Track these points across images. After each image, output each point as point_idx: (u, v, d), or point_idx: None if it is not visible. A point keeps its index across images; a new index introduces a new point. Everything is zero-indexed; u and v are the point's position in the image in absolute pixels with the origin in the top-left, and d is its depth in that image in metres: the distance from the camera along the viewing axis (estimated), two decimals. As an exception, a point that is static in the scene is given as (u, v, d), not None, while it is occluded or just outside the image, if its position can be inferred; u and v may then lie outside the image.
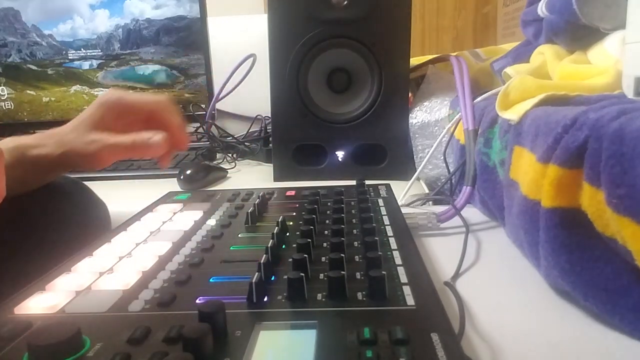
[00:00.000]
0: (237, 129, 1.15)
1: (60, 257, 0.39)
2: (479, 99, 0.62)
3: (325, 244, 0.39)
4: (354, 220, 0.46)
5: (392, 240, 0.41)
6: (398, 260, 0.36)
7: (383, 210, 0.50)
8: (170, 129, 0.52)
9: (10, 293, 0.33)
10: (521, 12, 0.69)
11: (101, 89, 1.15)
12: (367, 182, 0.59)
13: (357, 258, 0.37)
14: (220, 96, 1.09)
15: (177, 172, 0.80)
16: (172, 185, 0.77)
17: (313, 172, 0.80)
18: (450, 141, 0.69)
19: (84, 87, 1.16)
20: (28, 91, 1.16)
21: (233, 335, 0.26)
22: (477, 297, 0.38)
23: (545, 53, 0.60)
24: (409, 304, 0.30)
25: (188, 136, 0.55)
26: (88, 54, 1.14)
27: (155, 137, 0.49)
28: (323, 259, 0.37)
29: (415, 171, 0.68)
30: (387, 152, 0.79)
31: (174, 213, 0.52)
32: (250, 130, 1.10)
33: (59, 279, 0.35)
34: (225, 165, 0.92)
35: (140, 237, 0.44)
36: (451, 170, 0.67)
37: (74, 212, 0.56)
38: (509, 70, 0.62)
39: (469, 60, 0.82)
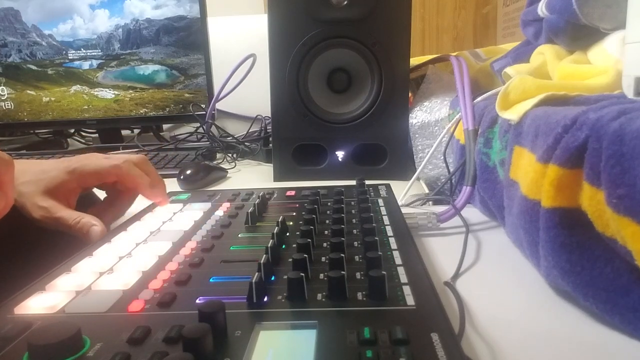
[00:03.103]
0: (237, 129, 1.15)
1: (59, 257, 0.39)
2: (479, 99, 0.62)
3: (325, 244, 0.39)
4: (354, 220, 0.46)
5: (392, 240, 0.41)
6: (398, 260, 0.36)
7: (383, 210, 0.50)
8: (138, 189, 0.53)
9: (10, 293, 0.33)
10: (521, 12, 0.69)
11: (101, 89, 1.15)
12: (367, 182, 0.59)
13: (357, 258, 0.37)
14: (220, 96, 1.09)
15: (177, 172, 0.80)
16: (172, 185, 0.77)
17: (313, 172, 0.80)
18: (450, 141, 0.69)
19: (84, 87, 1.16)
20: (28, 91, 1.16)
21: (233, 335, 0.26)
22: (477, 297, 0.38)
23: (545, 53, 0.60)
24: (409, 304, 0.30)
25: (163, 193, 0.55)
26: (88, 54, 1.14)
27: (95, 228, 0.48)
28: (323, 259, 0.37)
29: (415, 171, 0.68)
30: (387, 152, 0.79)
31: (174, 213, 0.52)
32: (250, 130, 1.10)
33: (59, 279, 0.35)
34: (225, 165, 0.92)
35: (140, 237, 0.44)
36: (451, 170, 0.67)
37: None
38: (509, 70, 0.62)
39: (469, 60, 0.82)
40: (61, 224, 0.49)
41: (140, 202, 0.57)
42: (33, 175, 0.51)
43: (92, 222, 0.49)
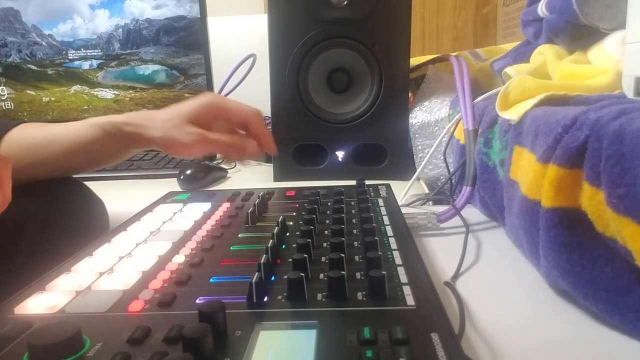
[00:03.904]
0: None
1: (60, 256, 0.39)
2: (479, 99, 0.62)
3: (325, 244, 0.39)
4: (354, 220, 0.46)
5: (392, 240, 0.41)
6: (398, 260, 0.36)
7: (383, 210, 0.50)
8: (259, 139, 0.58)
9: (10, 293, 0.33)
10: (521, 12, 0.69)
11: (101, 88, 1.15)
12: (367, 182, 0.59)
13: (357, 258, 0.37)
14: (220, 96, 1.09)
15: (177, 172, 0.80)
16: (172, 185, 0.77)
17: (313, 172, 0.80)
18: (450, 141, 0.69)
19: (84, 87, 1.16)
20: (28, 91, 1.16)
21: (233, 335, 0.26)
22: (477, 297, 0.38)
23: (545, 53, 0.60)
24: (409, 304, 0.30)
25: (274, 145, 0.61)
26: (88, 54, 1.14)
27: (251, 142, 0.57)
28: (323, 259, 0.37)
29: (415, 171, 0.68)
30: (387, 152, 0.79)
31: (174, 213, 0.52)
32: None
33: (59, 279, 0.35)
34: (225, 165, 0.92)
35: (140, 237, 0.44)
36: (451, 170, 0.67)
37: (73, 211, 0.56)
38: (509, 70, 0.62)
39: (469, 60, 0.82)
40: (216, 145, 0.55)
41: (140, 202, 0.57)
42: (169, 113, 0.56)
43: (245, 138, 0.57)
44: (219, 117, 0.57)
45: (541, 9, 0.60)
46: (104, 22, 1.12)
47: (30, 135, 0.58)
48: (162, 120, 0.56)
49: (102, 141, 0.56)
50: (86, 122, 0.57)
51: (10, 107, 1.16)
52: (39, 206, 0.53)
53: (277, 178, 0.81)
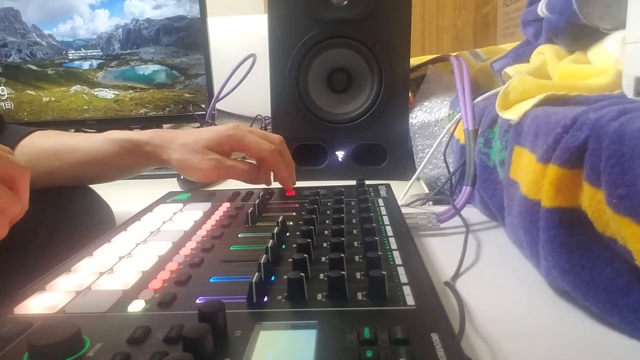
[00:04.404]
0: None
1: (60, 255, 0.40)
2: (479, 99, 0.62)
3: (325, 244, 0.39)
4: (354, 220, 0.46)
5: (392, 240, 0.41)
6: (398, 260, 0.36)
7: (383, 210, 0.50)
8: (277, 177, 0.60)
9: (10, 293, 0.33)
10: (521, 12, 0.69)
11: (101, 88, 1.15)
12: (367, 182, 0.59)
13: (357, 258, 0.37)
14: (220, 96, 1.09)
15: (177, 172, 0.80)
16: (172, 185, 0.77)
17: (313, 172, 0.80)
18: (450, 141, 0.69)
19: (84, 87, 1.16)
20: (28, 91, 1.16)
21: (233, 335, 0.26)
22: (477, 297, 0.38)
23: (545, 53, 0.60)
24: (409, 304, 0.29)
25: (293, 179, 0.62)
26: (88, 54, 1.14)
27: (266, 175, 0.60)
28: (323, 259, 0.37)
29: (415, 171, 0.68)
30: (387, 152, 0.79)
31: (174, 213, 0.52)
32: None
33: (59, 279, 0.35)
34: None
35: (140, 237, 0.44)
36: (451, 170, 0.67)
37: (80, 216, 0.56)
38: (509, 70, 0.62)
39: (469, 60, 0.82)
40: (231, 171, 0.58)
41: (140, 202, 0.57)
42: (190, 137, 0.58)
43: (257, 168, 0.59)
44: (237, 150, 0.59)
45: (541, 9, 0.60)
46: (104, 22, 1.12)
47: (46, 145, 0.59)
48: (182, 144, 0.58)
49: (119, 157, 0.58)
50: (104, 136, 0.59)
51: (10, 107, 1.16)
52: (47, 213, 0.53)
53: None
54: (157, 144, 0.58)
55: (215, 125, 1.08)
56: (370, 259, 0.33)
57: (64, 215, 0.55)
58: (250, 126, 1.10)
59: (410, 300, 0.30)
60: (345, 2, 0.74)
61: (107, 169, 0.60)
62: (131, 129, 1.31)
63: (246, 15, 1.36)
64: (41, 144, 0.59)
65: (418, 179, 0.73)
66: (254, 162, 0.61)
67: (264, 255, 0.34)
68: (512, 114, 0.47)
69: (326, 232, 0.43)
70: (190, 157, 0.57)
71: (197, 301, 0.31)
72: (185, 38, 1.11)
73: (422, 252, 0.45)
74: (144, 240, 0.43)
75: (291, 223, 0.47)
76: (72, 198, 0.58)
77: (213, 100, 1.08)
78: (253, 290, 0.30)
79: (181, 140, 0.58)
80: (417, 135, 0.81)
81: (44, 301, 0.32)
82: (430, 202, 0.64)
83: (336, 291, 0.30)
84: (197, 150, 0.57)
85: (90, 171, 0.59)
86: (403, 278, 0.33)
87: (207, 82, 1.11)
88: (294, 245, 0.38)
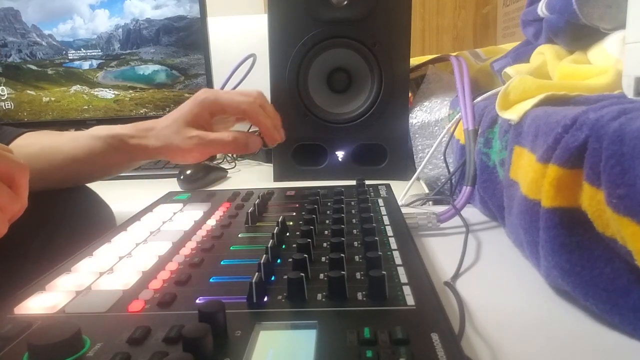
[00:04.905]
0: (237, 129, 1.15)
1: (60, 255, 0.40)
2: (479, 99, 0.62)
3: (325, 244, 0.39)
4: (354, 220, 0.46)
5: (392, 240, 0.41)
6: (398, 260, 0.36)
7: (383, 210, 0.50)
8: (261, 129, 0.57)
9: (10, 293, 0.33)
10: (521, 12, 0.69)
11: (101, 88, 1.15)
12: (367, 182, 0.59)
13: (357, 258, 0.37)
14: (220, 96, 1.09)
15: (177, 172, 0.80)
16: (172, 185, 0.77)
17: (313, 172, 0.80)
18: (450, 141, 0.69)
19: (84, 87, 1.16)
20: (28, 91, 1.16)
21: (233, 335, 0.26)
22: (477, 297, 0.38)
23: (545, 53, 0.60)
24: (409, 304, 0.29)
25: (280, 133, 0.59)
26: (88, 54, 1.14)
27: (253, 137, 0.55)
28: (323, 259, 0.37)
29: (415, 171, 0.68)
30: (387, 152, 0.79)
31: (174, 213, 0.52)
32: (250, 130, 1.10)
33: (59, 279, 0.35)
34: (225, 165, 0.92)
35: (140, 237, 0.44)
36: (451, 170, 0.67)
37: (80, 217, 0.56)
38: (509, 70, 0.62)
39: (469, 60, 0.82)
40: (216, 145, 0.54)
41: (140, 202, 0.57)
42: (169, 120, 0.55)
43: (246, 134, 0.54)
44: (216, 113, 0.56)
45: (541, 9, 0.60)
46: (104, 22, 1.12)
47: (33, 147, 0.58)
48: (162, 128, 0.55)
49: (105, 154, 0.56)
50: (89, 133, 0.57)
51: (10, 107, 1.16)
52: (47, 214, 0.53)
53: (277, 178, 0.81)
54: (141, 135, 0.56)
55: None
56: (370, 259, 0.33)
57: (64, 217, 0.55)
58: (249, 129, 1.10)
59: (410, 300, 0.30)
60: (345, 2, 0.74)
61: (94, 168, 0.58)
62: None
63: (246, 15, 1.36)
64: (29, 147, 0.57)
65: (418, 179, 0.73)
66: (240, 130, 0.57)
67: (264, 255, 0.34)
68: (512, 114, 0.47)
69: (326, 232, 0.43)
70: (172, 140, 0.54)
71: (197, 301, 0.31)
72: (185, 38, 1.11)
73: (422, 252, 0.45)
74: (144, 240, 0.43)
75: (291, 223, 0.47)
76: (72, 199, 0.58)
77: (213, 100, 1.08)
78: (253, 290, 0.30)
79: (161, 125, 0.56)
80: (417, 135, 0.81)
81: (44, 301, 0.32)
82: (430, 202, 0.64)
83: (336, 291, 0.30)
84: (177, 130, 0.54)
85: (78, 171, 0.58)
86: (403, 278, 0.33)
87: (207, 82, 1.11)
88: (294, 245, 0.38)
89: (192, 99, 0.56)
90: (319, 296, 0.31)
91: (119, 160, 0.58)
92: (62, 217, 0.55)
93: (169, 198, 0.59)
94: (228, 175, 0.87)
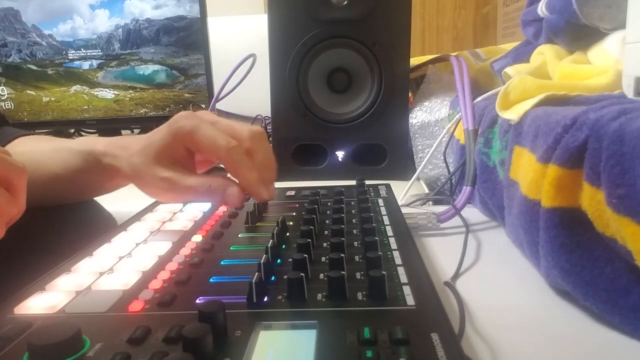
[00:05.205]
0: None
1: (60, 256, 0.39)
2: (479, 99, 0.62)
3: (325, 244, 0.39)
4: (354, 220, 0.46)
5: (392, 240, 0.41)
6: (398, 260, 0.36)
7: (383, 210, 0.50)
8: (240, 183, 0.43)
9: (10, 293, 0.33)
10: (521, 12, 0.69)
11: (101, 88, 1.15)
12: (367, 182, 0.59)
13: (357, 258, 0.37)
14: (220, 96, 1.09)
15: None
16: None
17: (313, 172, 0.80)
18: (450, 141, 0.69)
19: (84, 87, 1.16)
20: (28, 91, 1.16)
21: (233, 335, 0.26)
22: (477, 297, 0.38)
23: (545, 53, 0.60)
24: (409, 304, 0.30)
25: (270, 189, 0.44)
26: (88, 54, 1.14)
27: (232, 189, 0.42)
28: (323, 259, 0.37)
29: (415, 171, 0.68)
30: (387, 152, 0.79)
31: (174, 213, 0.52)
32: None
33: (59, 279, 0.35)
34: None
35: (140, 237, 0.44)
36: (451, 170, 0.67)
37: (82, 226, 0.55)
38: (509, 70, 0.62)
39: (469, 60, 0.82)
40: (189, 193, 0.43)
41: (140, 202, 0.57)
42: (140, 143, 0.46)
43: (225, 184, 0.42)
44: (190, 148, 0.44)
45: (541, 9, 0.60)
46: (104, 22, 1.12)
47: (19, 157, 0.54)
48: (133, 154, 0.45)
49: (84, 172, 0.51)
50: (71, 146, 0.52)
51: (10, 107, 1.16)
52: (51, 220, 0.52)
53: (277, 178, 0.81)
54: (113, 154, 0.48)
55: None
56: (370, 259, 0.33)
57: (66, 231, 0.53)
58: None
59: (410, 300, 0.30)
60: (345, 2, 0.74)
61: (74, 187, 0.53)
62: (131, 130, 1.31)
63: (246, 15, 1.36)
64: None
65: (418, 179, 0.73)
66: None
67: (264, 255, 0.34)
68: (512, 114, 0.47)
69: (326, 232, 0.43)
70: (142, 172, 0.44)
71: (197, 301, 0.31)
72: (185, 38, 1.11)
73: (422, 252, 0.45)
74: (144, 240, 0.43)
75: (291, 223, 0.47)
76: (75, 211, 0.56)
77: (213, 100, 1.08)
78: (253, 290, 0.30)
79: (133, 147, 0.46)
80: (417, 135, 0.81)
81: (44, 301, 0.32)
82: (430, 202, 0.64)
83: (336, 291, 0.30)
84: (146, 163, 0.44)
85: (57, 190, 0.52)
86: (403, 278, 0.33)
87: (207, 82, 1.11)
88: (294, 245, 0.38)
89: (168, 124, 0.44)
90: (319, 296, 0.31)
91: (98, 180, 0.52)
92: (64, 231, 0.53)
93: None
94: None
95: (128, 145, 0.48)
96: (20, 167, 0.35)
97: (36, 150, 0.54)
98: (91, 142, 0.51)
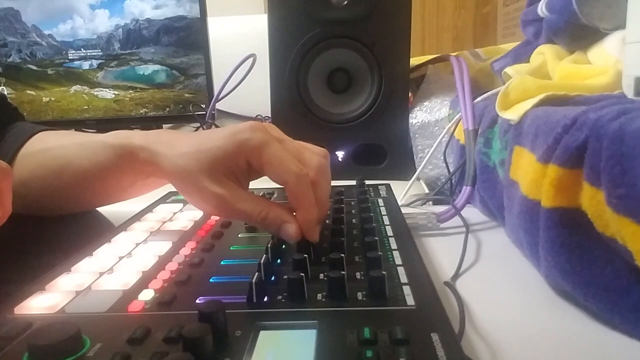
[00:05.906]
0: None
1: (60, 256, 0.39)
2: (479, 99, 0.62)
3: (325, 244, 0.39)
4: (354, 220, 0.46)
5: (392, 240, 0.41)
6: (398, 260, 0.36)
7: (383, 210, 0.50)
8: (298, 218, 0.38)
9: (10, 293, 0.33)
10: (521, 12, 0.69)
11: (101, 88, 1.15)
12: (367, 182, 0.59)
13: (357, 258, 0.37)
14: (220, 96, 1.09)
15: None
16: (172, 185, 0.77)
17: (313, 172, 0.79)
18: (450, 141, 0.69)
19: (84, 87, 1.16)
20: (28, 91, 1.16)
21: (233, 335, 0.26)
22: (477, 297, 0.38)
23: (545, 53, 0.60)
24: (409, 304, 0.29)
25: (317, 230, 0.39)
26: (88, 54, 1.14)
27: (288, 227, 0.38)
28: (323, 259, 0.37)
29: (415, 171, 0.68)
30: (387, 152, 0.79)
31: (174, 213, 0.52)
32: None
33: (59, 279, 0.35)
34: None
35: (140, 237, 0.44)
36: (451, 170, 0.67)
37: (82, 232, 0.55)
38: (509, 70, 0.62)
39: (469, 60, 0.82)
40: (240, 217, 0.40)
41: (140, 202, 0.57)
42: (189, 146, 0.40)
43: (282, 218, 0.38)
44: (253, 164, 0.39)
45: (541, 9, 0.60)
46: (104, 22, 1.12)
47: (43, 158, 0.49)
48: (179, 155, 0.40)
49: (118, 168, 0.45)
50: (103, 140, 0.46)
51: (10, 107, 1.16)
52: (51, 220, 0.52)
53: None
54: (154, 150, 0.42)
55: (215, 126, 1.08)
56: (370, 259, 0.33)
57: (66, 232, 0.53)
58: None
59: (410, 300, 0.30)
60: (345, 2, 0.74)
61: (103, 187, 0.48)
62: (131, 129, 1.31)
63: (246, 15, 1.36)
64: (38, 157, 0.49)
65: (418, 179, 0.73)
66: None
67: (264, 255, 0.34)
68: (512, 114, 0.47)
69: (326, 232, 0.43)
70: (189, 178, 0.39)
71: (197, 301, 0.31)
72: (185, 38, 1.11)
73: (422, 252, 0.45)
74: (144, 240, 0.43)
75: (291, 223, 0.47)
76: (75, 221, 0.55)
77: (213, 100, 1.08)
78: (253, 290, 0.30)
79: (180, 148, 0.40)
80: (417, 135, 0.81)
81: (44, 301, 0.32)
82: (430, 202, 0.64)
83: (336, 291, 0.30)
84: (199, 168, 0.38)
85: (85, 191, 0.48)
86: (403, 278, 0.33)
87: (207, 82, 1.11)
88: (294, 246, 0.38)
89: (232, 132, 0.39)
90: (319, 296, 0.31)
91: (131, 178, 0.47)
92: (65, 239, 0.53)
93: (168, 198, 0.59)
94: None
95: (173, 143, 0.41)
96: (4, 167, 0.34)
97: (62, 146, 0.49)
98: (125, 136, 0.45)
